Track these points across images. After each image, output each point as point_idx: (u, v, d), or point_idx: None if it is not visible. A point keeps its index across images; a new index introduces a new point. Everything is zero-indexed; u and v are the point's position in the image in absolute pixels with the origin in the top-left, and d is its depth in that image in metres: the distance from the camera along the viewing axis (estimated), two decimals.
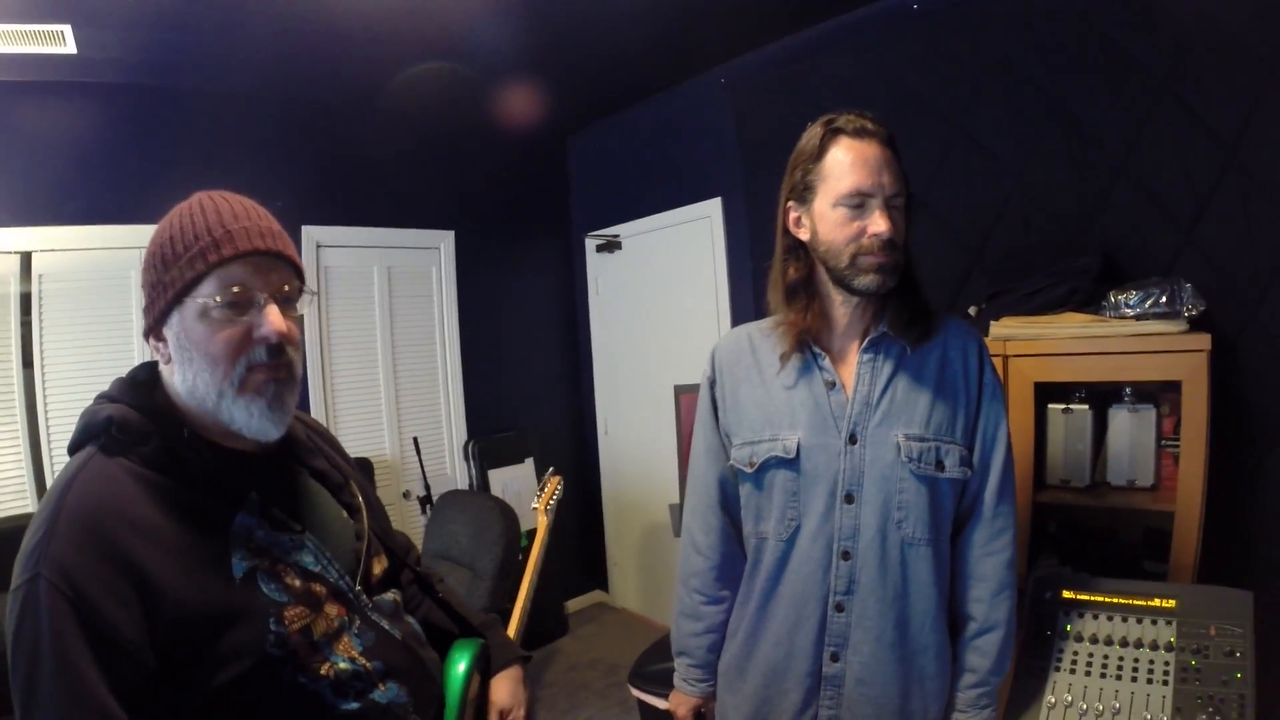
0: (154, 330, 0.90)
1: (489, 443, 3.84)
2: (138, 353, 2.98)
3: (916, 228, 2.57)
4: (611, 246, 4.05)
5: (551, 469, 2.36)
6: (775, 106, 3.06)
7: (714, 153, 3.44)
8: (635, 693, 2.50)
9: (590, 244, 4.19)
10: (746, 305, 3.32)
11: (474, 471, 3.76)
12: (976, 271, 2.48)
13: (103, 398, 0.92)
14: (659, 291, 3.84)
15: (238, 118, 3.23)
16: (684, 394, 2.45)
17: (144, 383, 0.94)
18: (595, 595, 4.45)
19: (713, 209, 3.47)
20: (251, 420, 0.89)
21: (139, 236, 2.97)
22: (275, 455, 1.01)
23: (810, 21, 2.95)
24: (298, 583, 0.91)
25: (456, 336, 3.86)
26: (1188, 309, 1.83)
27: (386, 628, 1.01)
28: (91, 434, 0.88)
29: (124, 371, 0.96)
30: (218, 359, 0.87)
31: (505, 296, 4.09)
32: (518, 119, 3.82)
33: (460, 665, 1.13)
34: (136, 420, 0.88)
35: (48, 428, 2.86)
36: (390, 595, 1.07)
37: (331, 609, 0.94)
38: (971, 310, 2.24)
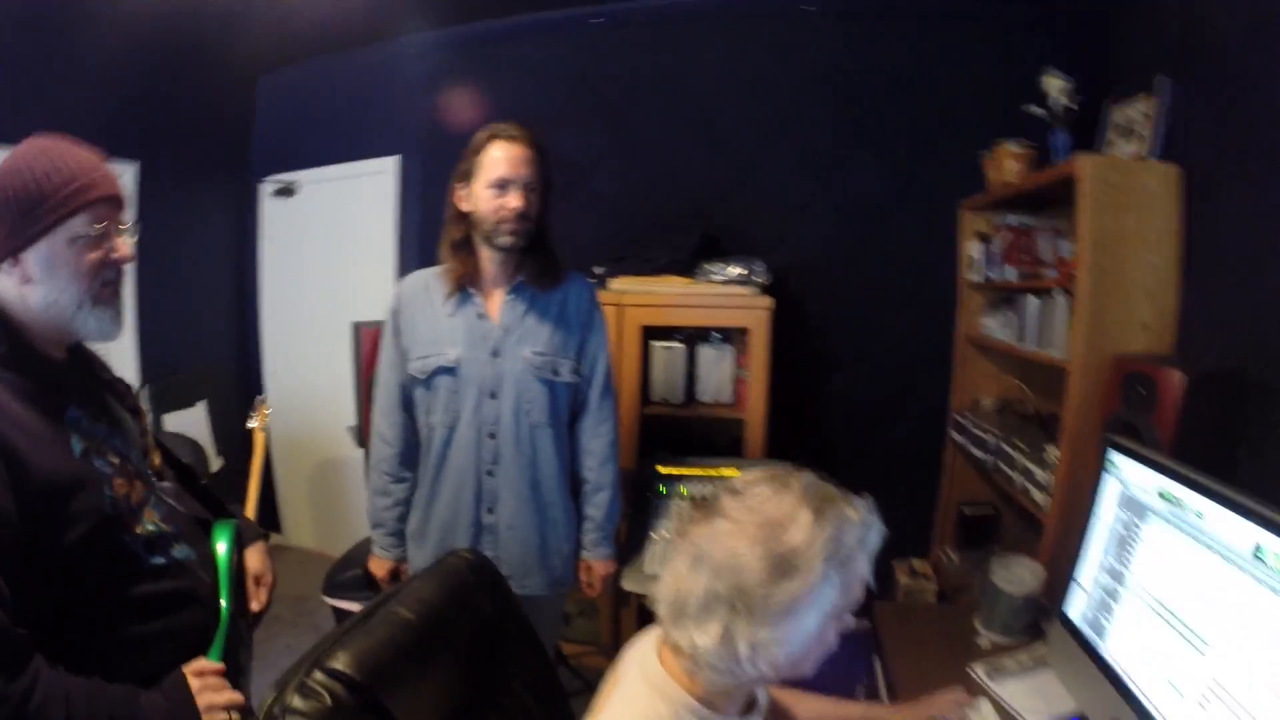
0: (12, 254, 1.05)
1: (162, 386, 3.70)
2: None
3: (578, 200, 3.13)
4: (287, 192, 4.02)
5: (261, 396, 2.60)
6: (463, 80, 3.39)
7: (399, 114, 3.63)
8: (331, 602, 2.71)
9: (266, 188, 4.12)
10: (413, 254, 3.59)
11: (150, 416, 3.62)
12: (624, 237, 3.03)
13: None
14: (332, 239, 3.92)
15: None
16: (364, 329, 2.75)
17: None
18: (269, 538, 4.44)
19: (391, 165, 3.68)
20: (103, 324, 1.12)
21: None
22: (77, 367, 1.21)
23: (505, 13, 3.28)
24: (116, 460, 1.13)
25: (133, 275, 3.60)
26: (758, 279, 2.59)
27: (172, 503, 1.26)
28: None
29: None
30: (82, 275, 1.08)
31: (178, 236, 3.86)
32: (211, 49, 3.56)
33: (222, 541, 1.38)
34: None
35: None
36: (168, 481, 1.32)
37: (138, 484, 1.16)
38: (597, 269, 2.81)
